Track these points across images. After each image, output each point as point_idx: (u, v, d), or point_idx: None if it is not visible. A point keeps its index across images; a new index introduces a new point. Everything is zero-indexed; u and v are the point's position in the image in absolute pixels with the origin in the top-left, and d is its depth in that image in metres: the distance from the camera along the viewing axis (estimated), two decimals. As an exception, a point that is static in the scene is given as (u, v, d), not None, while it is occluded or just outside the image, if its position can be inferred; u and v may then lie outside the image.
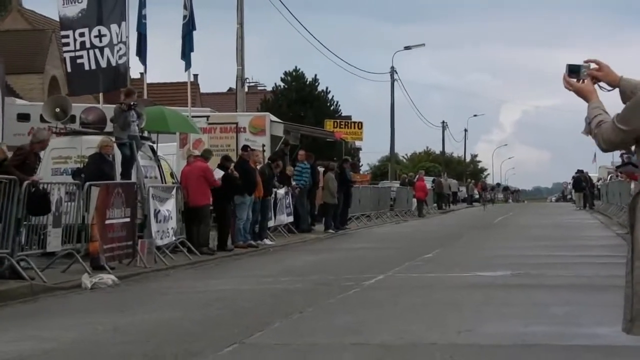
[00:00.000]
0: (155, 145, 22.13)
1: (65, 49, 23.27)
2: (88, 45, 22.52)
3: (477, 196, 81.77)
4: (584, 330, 9.84)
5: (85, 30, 22.55)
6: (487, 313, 11.32)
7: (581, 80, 5.02)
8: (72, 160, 20.53)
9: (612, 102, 4.97)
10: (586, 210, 52.86)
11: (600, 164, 75.80)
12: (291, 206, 29.06)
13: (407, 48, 66.35)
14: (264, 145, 30.17)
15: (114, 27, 22.43)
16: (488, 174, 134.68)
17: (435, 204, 59.36)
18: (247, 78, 39.36)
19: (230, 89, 71.65)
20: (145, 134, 21.61)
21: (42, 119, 24.02)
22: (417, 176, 52.72)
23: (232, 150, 29.42)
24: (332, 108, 64.77)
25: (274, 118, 34.07)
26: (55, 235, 15.66)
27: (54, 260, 16.17)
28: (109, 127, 20.87)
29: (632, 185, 27.75)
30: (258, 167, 24.77)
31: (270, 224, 26.28)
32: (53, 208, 15.50)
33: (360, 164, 75.62)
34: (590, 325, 10.16)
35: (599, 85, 5.05)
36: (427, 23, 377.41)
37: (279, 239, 26.50)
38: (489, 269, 16.90)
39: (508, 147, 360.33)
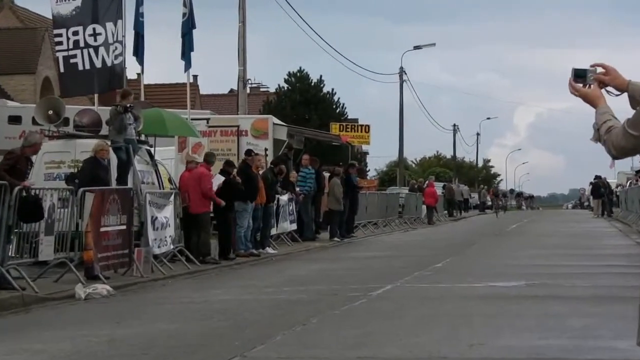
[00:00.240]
0: (152, 149, 22.14)
1: (58, 48, 23.29)
2: (82, 44, 22.54)
3: (489, 203, 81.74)
4: (602, 344, 9.82)
5: (80, 28, 22.57)
6: (500, 325, 11.30)
7: (588, 85, 5.01)
8: (65, 165, 20.55)
9: (620, 107, 4.97)
10: (604, 217, 52.82)
11: (619, 169, 75.79)
12: (295, 213, 29.05)
13: (416, 48, 66.42)
14: (266, 150, 30.19)
15: (109, 25, 22.44)
16: (501, 180, 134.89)
17: (445, 211, 59.38)
18: (249, 79, 39.47)
19: (231, 91, 71.80)
20: (143, 137, 21.61)
21: (34, 122, 24.02)
22: (427, 182, 52.75)
23: (233, 154, 29.46)
24: (338, 110, 64.83)
25: (277, 121, 34.09)
26: (47, 244, 15.67)
27: (46, 270, 16.18)
28: (105, 130, 20.88)
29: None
30: (260, 172, 24.78)
31: (273, 231, 26.28)
32: (45, 215, 15.50)
33: (367, 169, 75.83)
34: (609, 338, 10.14)
35: (607, 90, 5.04)
36: (438, 22, 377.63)
37: (281, 247, 26.51)
38: (502, 279, 16.89)
39: (522, 151, 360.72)
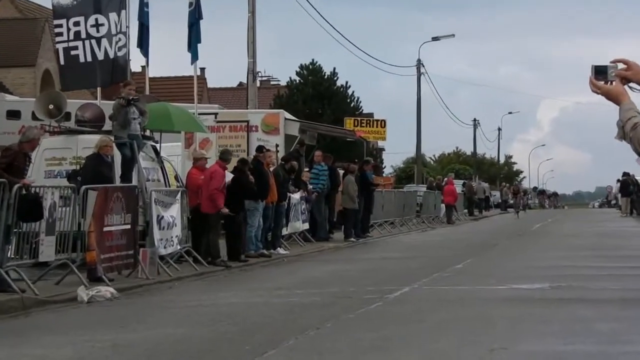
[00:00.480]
0: (158, 145, 22.17)
1: (57, 39, 23.34)
2: (84, 35, 22.58)
3: (511, 201, 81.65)
4: (632, 349, 9.80)
5: (81, 19, 22.62)
6: (523, 330, 11.29)
7: (609, 82, 5.00)
8: (67, 162, 20.61)
9: (644, 103, 4.94)
10: (633, 217, 52.70)
11: (648, 166, 75.41)
12: (307, 212, 29.05)
13: (435, 39, 66.37)
14: (277, 146, 30.17)
15: (112, 15, 22.49)
16: (524, 177, 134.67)
17: (465, 210, 59.33)
18: (259, 72, 39.41)
19: (240, 84, 71.83)
20: (148, 132, 21.65)
21: (34, 117, 24.09)
22: (446, 179, 52.73)
23: (242, 151, 29.46)
24: (352, 105, 64.79)
25: (288, 116, 34.10)
26: (48, 244, 15.69)
27: (47, 271, 16.22)
28: (108, 125, 20.93)
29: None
30: (271, 169, 24.78)
31: (284, 231, 26.29)
32: (46, 214, 15.53)
33: (383, 166, 75.76)
34: (638, 343, 10.12)
35: (629, 86, 5.03)
36: (457, 12, 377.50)
37: (293, 248, 26.52)
38: (526, 281, 16.86)
39: (546, 147, 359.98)
